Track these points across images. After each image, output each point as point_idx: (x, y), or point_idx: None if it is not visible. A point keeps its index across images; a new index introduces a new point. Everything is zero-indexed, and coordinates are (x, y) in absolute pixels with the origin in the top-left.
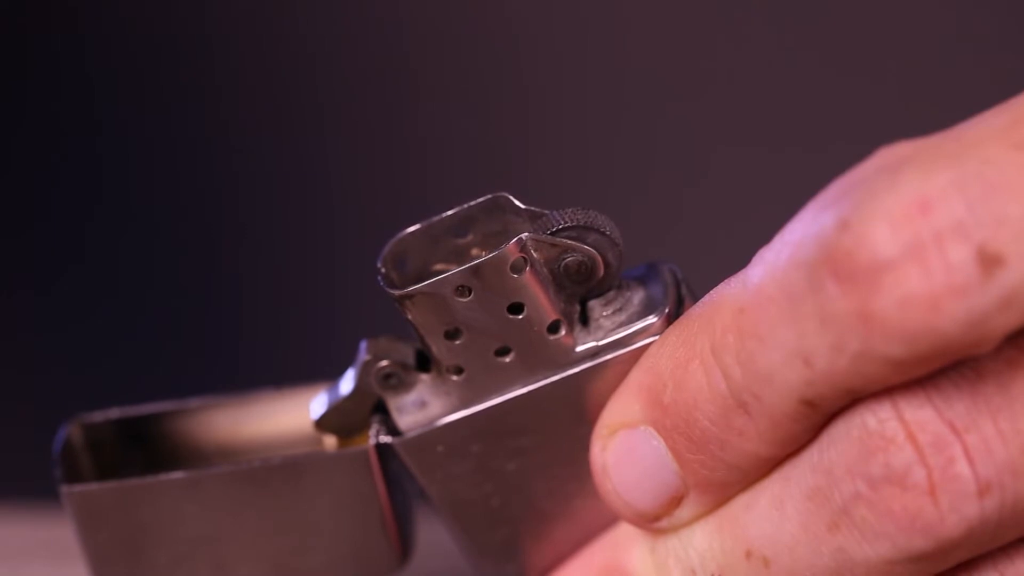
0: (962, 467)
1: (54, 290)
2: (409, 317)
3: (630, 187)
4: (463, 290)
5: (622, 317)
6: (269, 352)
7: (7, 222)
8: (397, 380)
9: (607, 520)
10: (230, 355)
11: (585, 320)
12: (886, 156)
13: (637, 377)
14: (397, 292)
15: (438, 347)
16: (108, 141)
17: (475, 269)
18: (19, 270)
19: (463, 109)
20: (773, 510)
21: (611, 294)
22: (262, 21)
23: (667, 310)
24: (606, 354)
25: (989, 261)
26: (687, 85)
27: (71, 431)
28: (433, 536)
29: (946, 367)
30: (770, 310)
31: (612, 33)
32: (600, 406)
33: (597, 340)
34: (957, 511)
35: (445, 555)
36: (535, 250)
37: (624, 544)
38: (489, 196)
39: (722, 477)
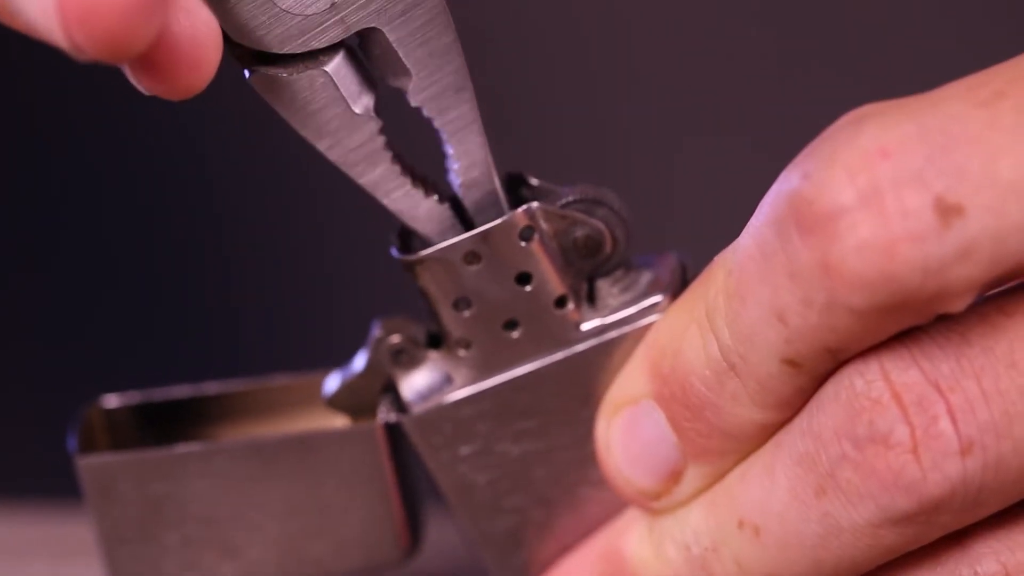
0: (945, 425)
1: (56, 290)
2: (420, 284)
3: (638, 183)
4: (472, 256)
5: (628, 296)
6: (274, 353)
7: (7, 222)
8: (407, 357)
9: (610, 512)
10: (234, 356)
11: (592, 298)
12: (852, 114)
13: (641, 352)
14: (409, 257)
15: (447, 318)
16: (109, 131)
17: (484, 235)
18: (19, 270)
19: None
20: (764, 477)
21: (619, 273)
22: None
23: (673, 290)
24: (611, 332)
25: (948, 211)
26: (694, 80)
27: (91, 411)
28: (440, 538)
29: (930, 328)
30: (750, 269)
31: (616, 24)
32: (604, 387)
33: (603, 317)
34: (939, 469)
35: (450, 555)
36: (544, 221)
37: (622, 530)
38: (503, 174)
39: (718, 445)
